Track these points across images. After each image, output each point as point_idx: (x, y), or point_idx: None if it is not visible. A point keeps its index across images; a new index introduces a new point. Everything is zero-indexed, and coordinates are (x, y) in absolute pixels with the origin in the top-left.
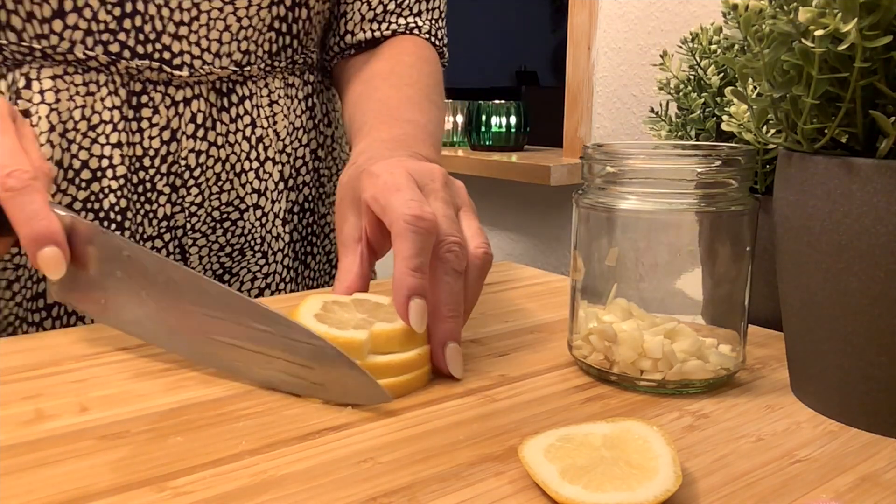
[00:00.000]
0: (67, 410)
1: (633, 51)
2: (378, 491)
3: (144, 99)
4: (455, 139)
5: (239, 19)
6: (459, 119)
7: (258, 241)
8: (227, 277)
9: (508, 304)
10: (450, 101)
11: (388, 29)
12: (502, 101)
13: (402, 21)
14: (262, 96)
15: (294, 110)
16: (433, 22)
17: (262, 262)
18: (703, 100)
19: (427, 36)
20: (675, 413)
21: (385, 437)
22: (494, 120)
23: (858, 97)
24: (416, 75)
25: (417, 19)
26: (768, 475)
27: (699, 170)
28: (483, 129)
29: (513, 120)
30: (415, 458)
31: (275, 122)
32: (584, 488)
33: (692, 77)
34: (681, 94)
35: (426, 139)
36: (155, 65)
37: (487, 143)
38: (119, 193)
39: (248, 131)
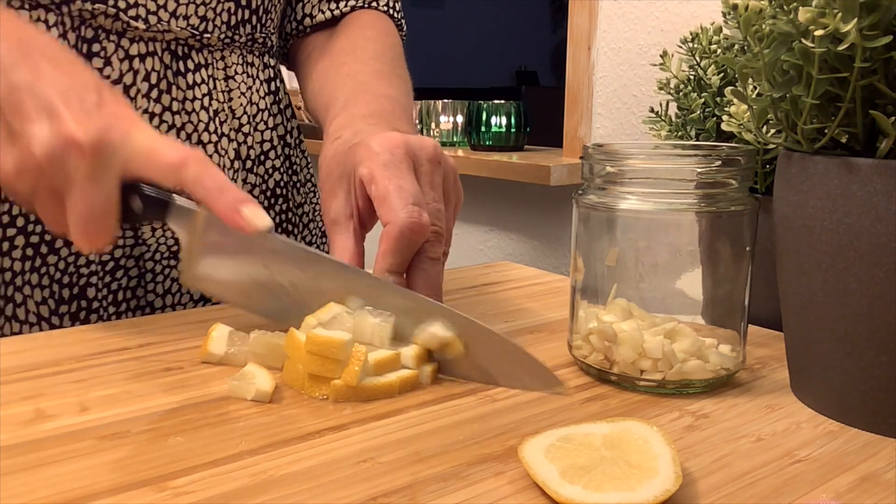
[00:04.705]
0: (67, 410)
1: (633, 51)
2: (378, 491)
3: (96, 48)
4: (455, 139)
5: None
6: (459, 119)
7: None
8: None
9: (508, 304)
10: (450, 101)
11: (346, 6)
12: (502, 101)
13: None
14: (217, 68)
15: (256, 91)
16: None
17: None
18: (703, 100)
19: (385, 9)
20: (675, 413)
21: (385, 437)
22: (494, 120)
23: (858, 97)
24: (380, 49)
25: None
26: (768, 475)
27: (699, 170)
28: (483, 129)
29: (513, 120)
30: (415, 458)
31: (230, 99)
32: (584, 488)
33: (692, 77)
34: (681, 94)
35: (402, 115)
36: (111, 11)
37: (487, 143)
38: None
39: (205, 101)
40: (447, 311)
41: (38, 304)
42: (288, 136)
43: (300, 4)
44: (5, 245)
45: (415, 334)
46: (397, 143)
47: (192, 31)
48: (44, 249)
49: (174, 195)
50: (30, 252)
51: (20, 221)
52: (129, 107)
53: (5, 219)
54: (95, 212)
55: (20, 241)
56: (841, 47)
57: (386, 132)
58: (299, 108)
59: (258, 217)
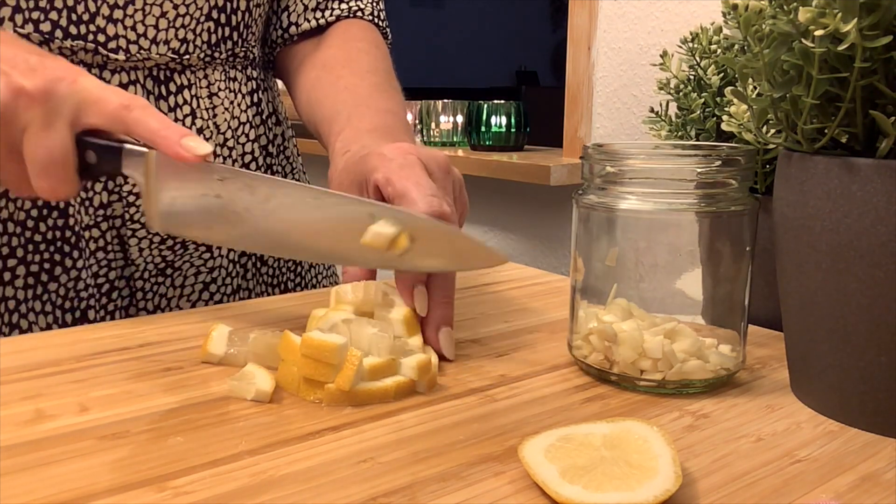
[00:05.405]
0: (67, 410)
1: (633, 51)
2: (378, 491)
3: None
4: (455, 139)
5: (175, 6)
6: (459, 119)
7: None
8: (169, 271)
9: (508, 304)
10: (450, 101)
11: (331, 15)
12: (502, 101)
13: (344, 6)
14: (201, 87)
15: (238, 105)
16: (374, 3)
17: (207, 255)
18: (703, 100)
19: (370, 17)
20: (675, 413)
21: (385, 437)
22: (494, 120)
23: (858, 97)
24: (373, 62)
25: (359, 2)
26: (768, 475)
27: (699, 170)
28: (483, 129)
29: (513, 120)
30: (415, 458)
31: (215, 115)
32: (584, 488)
33: (692, 77)
34: (681, 94)
35: (403, 129)
36: (90, 46)
37: (487, 143)
38: None
39: (187, 122)
40: (387, 208)
41: (43, 330)
42: (270, 146)
43: (285, 13)
44: (7, 275)
45: (362, 237)
46: (409, 150)
47: (173, 54)
48: (44, 278)
49: (126, 143)
50: (31, 281)
51: (20, 252)
52: (70, 63)
53: (5, 250)
54: (53, 157)
55: (21, 270)
56: (841, 47)
57: (395, 143)
58: None
59: (199, 146)
